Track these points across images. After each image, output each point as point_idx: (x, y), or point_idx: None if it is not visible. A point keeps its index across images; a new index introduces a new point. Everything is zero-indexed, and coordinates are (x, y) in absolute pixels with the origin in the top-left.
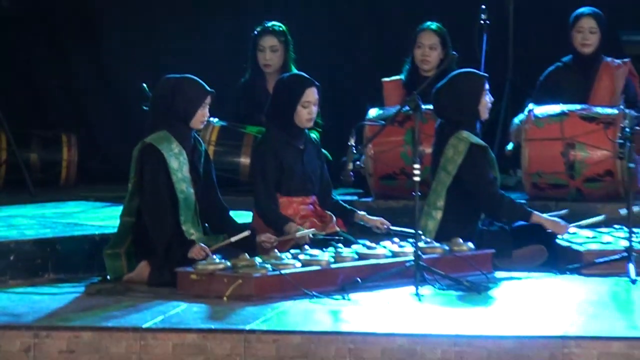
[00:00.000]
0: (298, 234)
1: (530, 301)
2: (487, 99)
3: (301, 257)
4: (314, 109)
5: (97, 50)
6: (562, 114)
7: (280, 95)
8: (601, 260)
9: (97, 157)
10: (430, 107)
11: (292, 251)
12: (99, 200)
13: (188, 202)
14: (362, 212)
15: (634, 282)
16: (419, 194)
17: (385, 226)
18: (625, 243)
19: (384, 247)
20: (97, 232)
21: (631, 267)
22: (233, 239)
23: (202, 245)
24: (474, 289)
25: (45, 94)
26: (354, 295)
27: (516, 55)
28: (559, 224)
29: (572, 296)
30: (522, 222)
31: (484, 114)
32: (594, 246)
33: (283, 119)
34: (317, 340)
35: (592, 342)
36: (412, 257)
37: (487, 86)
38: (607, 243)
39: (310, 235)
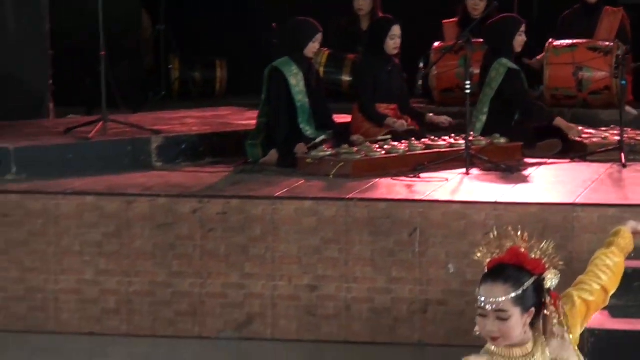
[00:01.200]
0: (379, 137)
1: (549, 179)
2: (521, 38)
3: (386, 147)
4: (398, 41)
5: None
6: (573, 45)
7: (374, 30)
8: (601, 150)
9: (240, 76)
10: (479, 40)
11: (380, 143)
12: (242, 106)
13: (304, 108)
14: (431, 114)
15: (624, 166)
16: (469, 103)
17: (448, 121)
18: (619, 137)
19: (444, 140)
20: (241, 129)
21: (622, 155)
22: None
23: (303, 144)
24: (509, 170)
25: (205, 30)
26: (422, 175)
27: (540, 4)
28: (573, 127)
29: (579, 176)
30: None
31: (517, 48)
32: (595, 140)
33: (376, 48)
34: (397, 206)
35: (594, 208)
36: (464, 147)
37: (523, 28)
38: (605, 137)
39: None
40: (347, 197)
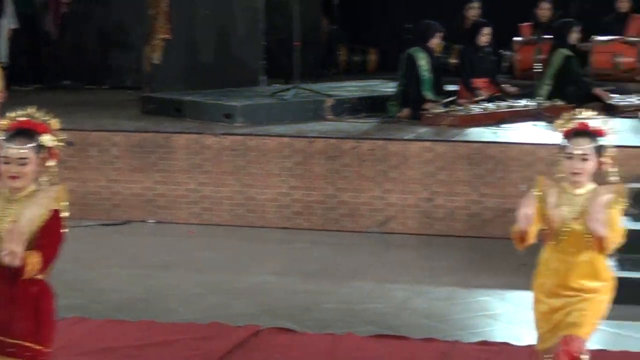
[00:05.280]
0: (477, 99)
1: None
2: (575, 34)
3: (481, 106)
4: (489, 37)
5: None
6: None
7: (471, 30)
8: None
9: (385, 59)
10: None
11: (477, 103)
12: (386, 79)
13: (427, 81)
14: (507, 85)
15: None
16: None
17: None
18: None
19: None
20: (385, 94)
21: None
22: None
23: (430, 103)
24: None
25: (362, 28)
26: (504, 125)
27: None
28: (606, 94)
29: None
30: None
31: (573, 41)
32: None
33: (472, 41)
34: (486, 145)
35: None
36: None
37: (577, 27)
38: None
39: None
40: (453, 139)
